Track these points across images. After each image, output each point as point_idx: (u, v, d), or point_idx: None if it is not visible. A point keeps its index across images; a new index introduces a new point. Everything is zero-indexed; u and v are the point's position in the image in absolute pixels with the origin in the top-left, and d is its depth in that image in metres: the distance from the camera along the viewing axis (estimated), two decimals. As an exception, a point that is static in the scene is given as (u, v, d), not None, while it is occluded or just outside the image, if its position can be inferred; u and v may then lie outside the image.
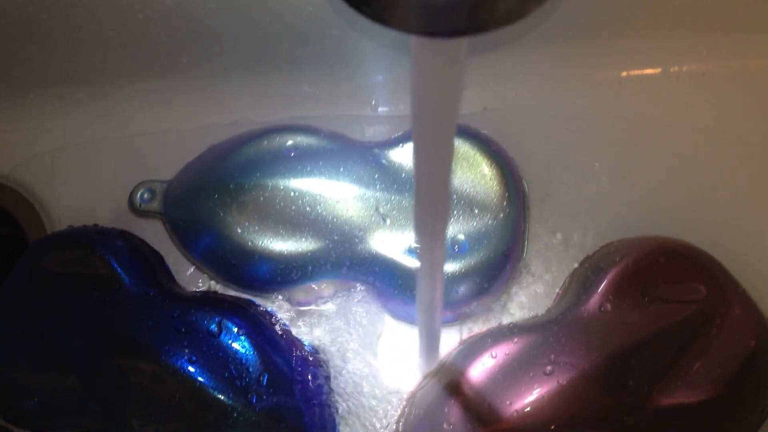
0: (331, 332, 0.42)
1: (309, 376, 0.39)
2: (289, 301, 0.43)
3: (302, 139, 0.43)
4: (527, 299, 0.43)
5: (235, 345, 0.37)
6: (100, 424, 0.38)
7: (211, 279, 0.44)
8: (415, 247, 0.41)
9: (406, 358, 0.42)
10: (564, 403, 0.35)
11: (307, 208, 0.41)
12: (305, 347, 0.41)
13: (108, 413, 0.37)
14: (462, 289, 0.41)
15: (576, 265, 0.43)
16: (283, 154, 0.43)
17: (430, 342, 0.37)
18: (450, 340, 0.41)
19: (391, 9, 0.15)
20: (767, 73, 0.48)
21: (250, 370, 0.37)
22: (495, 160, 0.43)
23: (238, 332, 0.38)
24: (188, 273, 0.45)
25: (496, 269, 0.41)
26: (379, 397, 0.41)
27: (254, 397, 0.36)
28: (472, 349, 0.38)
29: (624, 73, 0.49)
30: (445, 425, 0.36)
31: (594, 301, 0.38)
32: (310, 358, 0.40)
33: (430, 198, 0.24)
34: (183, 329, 0.38)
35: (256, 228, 0.41)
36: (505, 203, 0.42)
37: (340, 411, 0.40)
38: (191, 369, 0.37)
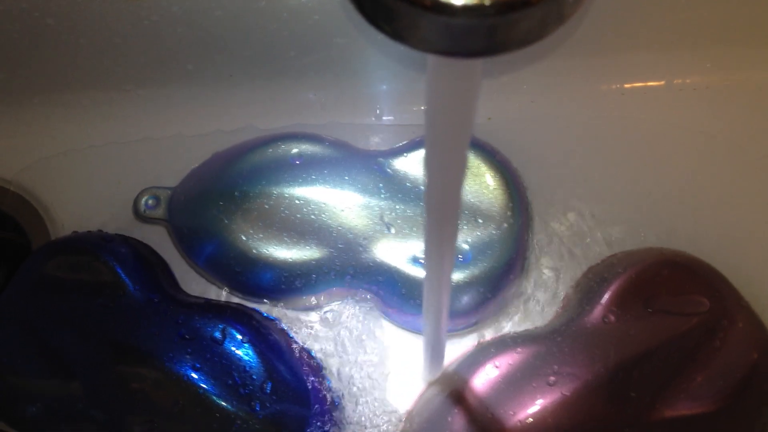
0: (335, 340, 0.42)
1: (312, 384, 0.39)
2: (292, 308, 0.43)
3: (307, 147, 0.43)
4: (530, 309, 0.43)
5: (239, 352, 0.38)
6: (103, 430, 0.38)
7: (215, 286, 0.44)
8: (421, 257, 0.41)
9: (409, 367, 0.42)
10: (567, 413, 0.35)
11: (312, 216, 0.41)
12: (308, 355, 0.41)
13: (111, 420, 0.37)
14: (466, 299, 0.41)
15: (579, 276, 0.43)
16: (288, 162, 0.43)
17: (435, 351, 0.37)
18: (453, 350, 0.41)
19: (412, 29, 0.15)
20: (771, 85, 0.48)
21: (254, 377, 0.37)
22: (499, 170, 0.43)
23: (241, 339, 0.38)
24: (192, 280, 0.45)
25: (500, 279, 0.41)
26: (381, 405, 0.41)
27: (258, 405, 0.36)
28: (475, 358, 0.38)
29: (628, 85, 0.49)
30: (448, 435, 0.36)
31: (597, 312, 0.38)
32: (313, 366, 0.40)
33: (440, 212, 0.24)
34: (187, 336, 0.38)
35: (261, 236, 0.41)
36: (509, 213, 0.42)
37: (342, 419, 0.40)
38: (194, 376, 0.37)
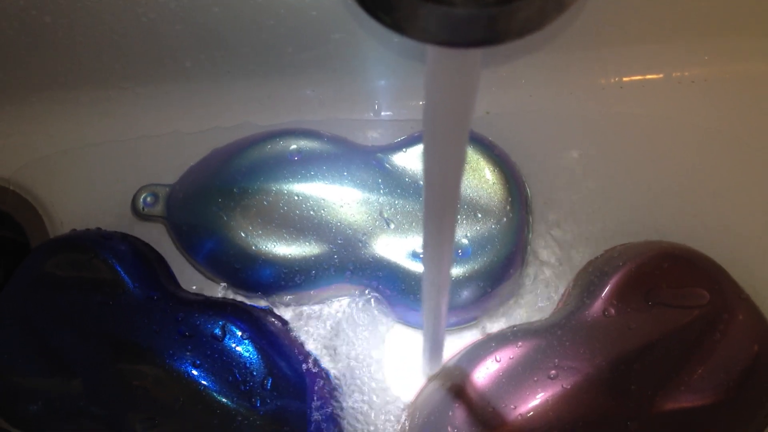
0: (335, 336, 0.42)
1: (312, 380, 0.39)
2: (292, 305, 0.43)
3: (306, 144, 0.43)
4: (531, 303, 0.43)
5: (239, 349, 0.38)
6: (104, 428, 0.38)
7: (214, 282, 0.44)
8: (420, 252, 0.41)
9: (409, 362, 0.42)
10: (568, 407, 0.35)
11: (311, 212, 0.41)
12: (308, 351, 0.41)
13: (111, 417, 0.37)
14: (465, 293, 0.41)
15: (579, 270, 0.43)
16: (287, 158, 0.43)
17: (435, 346, 0.37)
18: (454, 344, 0.41)
19: (411, 19, 0.15)
20: (770, 77, 0.48)
21: (254, 374, 0.37)
22: (498, 164, 0.43)
23: (242, 336, 0.38)
24: (191, 277, 0.45)
25: (500, 273, 0.41)
26: (382, 400, 0.41)
27: (258, 401, 0.36)
28: (476, 353, 0.38)
29: (626, 78, 0.49)
30: (449, 429, 0.36)
31: (598, 305, 0.38)
32: (313, 362, 0.40)
33: (439, 205, 0.24)
34: (187, 333, 0.38)
35: (260, 232, 0.41)
36: (508, 207, 0.42)
37: (343, 414, 0.40)
38: (195, 373, 0.37)
